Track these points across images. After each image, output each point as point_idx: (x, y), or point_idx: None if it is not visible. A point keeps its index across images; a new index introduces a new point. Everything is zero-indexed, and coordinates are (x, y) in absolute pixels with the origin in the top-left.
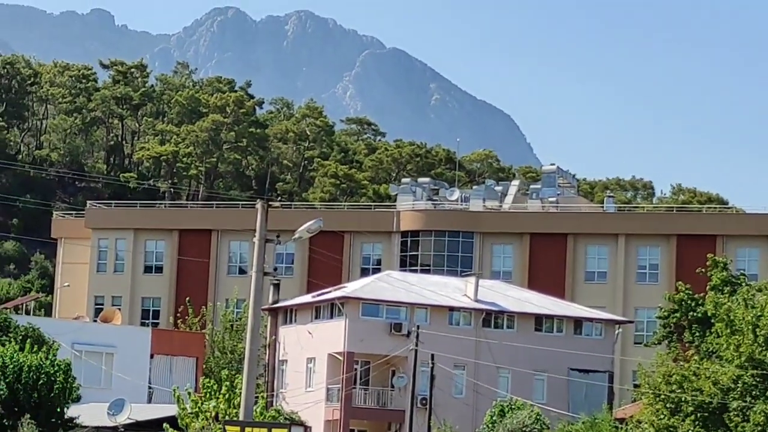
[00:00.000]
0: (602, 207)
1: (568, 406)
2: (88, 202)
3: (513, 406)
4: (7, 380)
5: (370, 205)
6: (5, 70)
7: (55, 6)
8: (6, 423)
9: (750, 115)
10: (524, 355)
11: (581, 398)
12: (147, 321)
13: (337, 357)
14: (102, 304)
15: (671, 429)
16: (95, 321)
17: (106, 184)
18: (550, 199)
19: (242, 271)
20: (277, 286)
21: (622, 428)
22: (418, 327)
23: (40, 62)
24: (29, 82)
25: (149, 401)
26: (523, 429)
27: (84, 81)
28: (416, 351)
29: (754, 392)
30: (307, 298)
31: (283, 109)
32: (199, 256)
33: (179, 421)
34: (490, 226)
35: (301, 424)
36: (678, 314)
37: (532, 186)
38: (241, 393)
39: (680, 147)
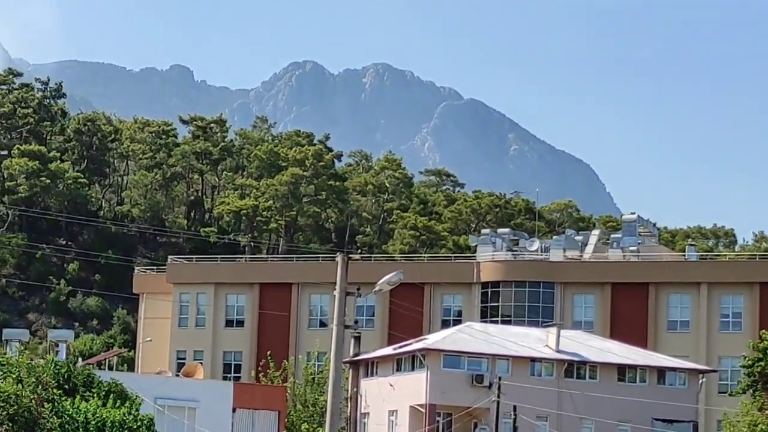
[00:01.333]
0: (684, 255)
1: None
2: (169, 257)
3: None
4: None
5: (450, 257)
6: (86, 127)
7: (134, 62)
8: None
9: None
10: (607, 405)
11: None
12: (229, 375)
13: (418, 409)
14: (184, 359)
15: None
16: (177, 375)
17: (187, 239)
18: (631, 249)
19: (323, 324)
20: (358, 339)
21: None
22: (499, 378)
23: (121, 119)
24: (110, 138)
25: None
26: None
27: (164, 137)
28: (498, 402)
29: None
30: (389, 350)
31: (362, 162)
32: (279, 310)
33: None
34: (571, 276)
35: None
36: (762, 363)
37: (612, 235)
38: None
39: (762, 194)
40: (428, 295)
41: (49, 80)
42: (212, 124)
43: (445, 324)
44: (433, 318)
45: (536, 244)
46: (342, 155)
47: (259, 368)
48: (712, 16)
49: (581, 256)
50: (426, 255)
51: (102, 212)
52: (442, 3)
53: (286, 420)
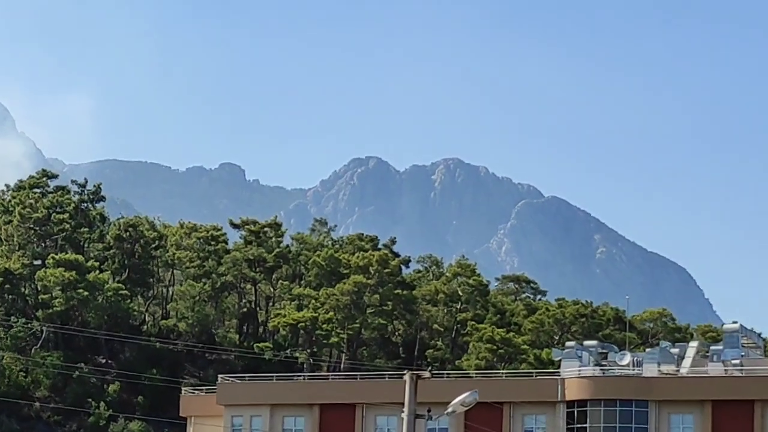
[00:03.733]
0: None
1: None
2: (220, 376)
3: None
4: None
5: (532, 372)
6: (127, 234)
7: (180, 161)
8: None
9: None
10: None
11: None
12: None
13: None
14: None
15: None
16: None
17: (239, 355)
18: (734, 362)
19: None
20: None
21: None
22: None
23: (165, 223)
24: (154, 245)
25: None
26: None
27: (213, 243)
28: None
29: None
30: None
31: (432, 268)
32: None
33: None
34: (667, 393)
35: None
36: None
37: (712, 347)
38: None
39: None
40: (507, 416)
41: (86, 182)
42: (266, 228)
43: None
44: None
45: (627, 358)
46: (410, 261)
47: None
48: None
49: (678, 370)
50: (504, 371)
51: (145, 327)
52: (518, 94)
53: None
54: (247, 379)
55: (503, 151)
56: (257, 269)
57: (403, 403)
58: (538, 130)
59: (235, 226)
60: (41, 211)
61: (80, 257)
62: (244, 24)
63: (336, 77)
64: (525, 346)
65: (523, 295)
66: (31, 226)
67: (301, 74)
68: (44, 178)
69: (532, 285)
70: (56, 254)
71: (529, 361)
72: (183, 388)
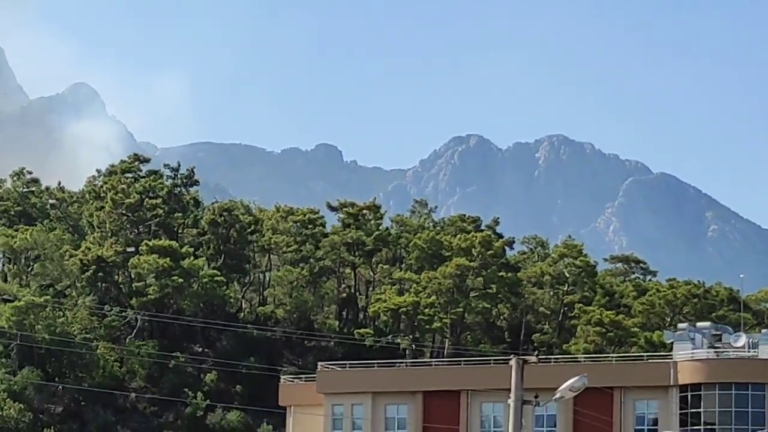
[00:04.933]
0: None
1: None
2: (319, 363)
3: None
4: None
5: (642, 356)
6: (222, 218)
7: (275, 143)
8: None
9: None
10: None
11: None
12: None
13: None
14: None
15: None
16: None
17: (339, 342)
18: None
19: None
20: None
21: None
22: None
23: (261, 207)
24: (249, 230)
25: None
26: None
27: (310, 226)
28: None
29: None
30: None
31: (537, 249)
32: (446, 421)
33: None
34: None
35: None
36: None
37: None
38: None
39: None
40: (618, 401)
41: (179, 166)
42: (365, 211)
43: None
44: (624, 427)
45: (743, 340)
46: (514, 242)
47: None
48: None
49: None
50: (614, 355)
51: (242, 314)
52: (623, 69)
53: None
54: (347, 366)
55: (609, 126)
56: (356, 253)
57: (509, 390)
58: (644, 106)
59: (332, 208)
60: (134, 197)
61: (174, 243)
62: (340, 2)
63: (436, 54)
64: (635, 329)
65: (633, 276)
66: (124, 212)
67: (399, 52)
68: (136, 163)
69: (641, 265)
70: (150, 241)
71: (640, 344)
72: (282, 377)
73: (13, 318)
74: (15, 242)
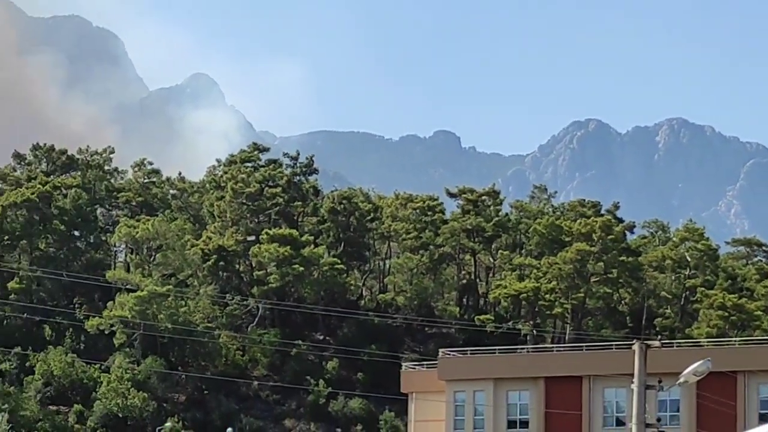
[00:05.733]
0: None
1: None
2: (440, 350)
3: None
4: None
5: (766, 340)
6: (341, 206)
7: (393, 131)
8: None
9: None
10: None
11: None
12: None
13: None
14: None
15: None
16: None
17: (460, 329)
18: None
19: (620, 423)
20: None
21: None
22: None
23: (380, 194)
24: (369, 217)
25: None
26: None
27: (430, 213)
28: None
29: None
30: None
31: (658, 233)
32: (568, 407)
33: None
34: None
35: None
36: None
37: None
38: None
39: None
40: (742, 385)
41: (298, 155)
42: (484, 197)
43: (763, 419)
44: (749, 413)
45: None
46: (634, 226)
47: None
48: None
49: None
50: (737, 339)
51: (363, 302)
52: (743, 49)
53: None
54: (468, 353)
55: (730, 109)
56: (476, 239)
57: (632, 374)
58: (766, 87)
59: (451, 195)
60: (254, 186)
61: (294, 232)
62: None
63: (554, 39)
64: (758, 312)
65: (755, 259)
66: (244, 201)
67: (518, 37)
68: (255, 152)
69: (764, 248)
70: (270, 229)
71: (763, 328)
72: (403, 364)
73: (136, 308)
74: (137, 233)
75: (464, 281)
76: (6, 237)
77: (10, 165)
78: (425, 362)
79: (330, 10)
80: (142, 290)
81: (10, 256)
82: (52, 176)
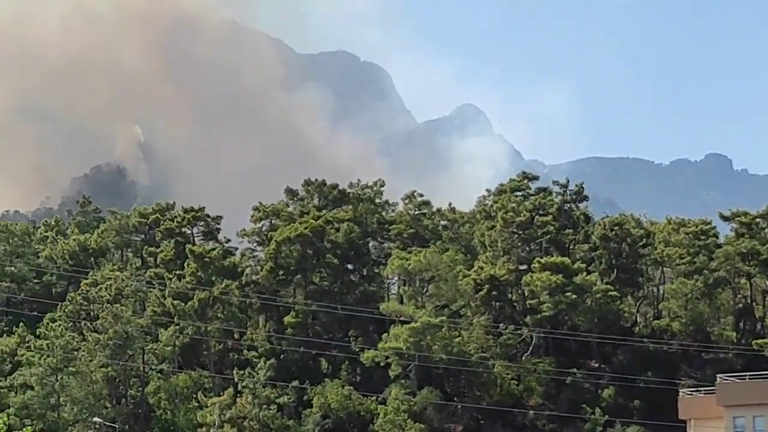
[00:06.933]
0: None
1: None
2: (718, 376)
3: None
4: None
5: None
6: (613, 232)
7: (663, 155)
8: None
9: None
10: None
11: None
12: None
13: None
14: None
15: None
16: None
17: (737, 353)
18: None
19: None
20: None
21: None
22: None
23: (652, 220)
24: (641, 243)
25: None
26: None
27: (703, 237)
28: None
29: None
30: None
31: None
32: None
33: None
34: None
35: None
36: None
37: None
38: None
39: None
40: None
41: (567, 182)
42: (758, 219)
43: None
44: None
45: None
46: None
47: None
48: None
49: None
50: None
51: (637, 328)
52: None
53: None
54: (747, 378)
55: None
56: (751, 263)
57: None
58: None
59: (725, 218)
60: (524, 215)
61: (566, 260)
62: (713, 9)
63: None
64: None
65: None
66: (515, 230)
67: None
68: (525, 181)
69: None
70: (541, 258)
71: None
72: (680, 390)
73: (411, 339)
74: (409, 264)
75: (740, 305)
76: (281, 272)
77: (283, 201)
78: (703, 388)
79: (591, 35)
80: (416, 321)
81: (286, 291)
82: (324, 210)
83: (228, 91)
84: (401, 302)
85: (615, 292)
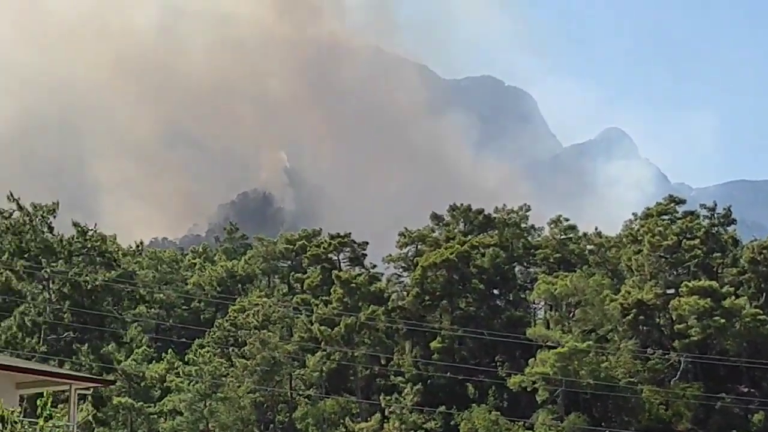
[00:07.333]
0: None
1: None
2: None
3: None
4: None
5: None
6: (762, 256)
7: None
8: None
9: None
10: None
11: None
12: None
13: None
14: None
15: None
16: None
17: None
18: None
19: None
20: None
21: None
22: None
23: None
24: None
25: None
26: None
27: None
28: None
29: None
30: None
31: None
32: None
33: None
34: None
35: None
36: None
37: None
38: None
39: None
40: None
41: (715, 205)
42: None
43: None
44: None
45: None
46: None
47: None
48: None
49: None
50: None
51: None
52: None
53: None
54: None
55: None
56: None
57: None
58: None
59: None
60: (671, 238)
61: (714, 284)
62: None
63: None
64: None
65: None
66: (662, 254)
67: None
68: (672, 204)
69: None
70: (689, 282)
71: None
72: None
73: (558, 364)
74: (556, 289)
75: None
76: (427, 297)
77: (428, 226)
78: None
79: (737, 56)
80: (563, 346)
81: (432, 317)
82: (469, 236)
83: (373, 117)
84: (548, 327)
85: (764, 316)
